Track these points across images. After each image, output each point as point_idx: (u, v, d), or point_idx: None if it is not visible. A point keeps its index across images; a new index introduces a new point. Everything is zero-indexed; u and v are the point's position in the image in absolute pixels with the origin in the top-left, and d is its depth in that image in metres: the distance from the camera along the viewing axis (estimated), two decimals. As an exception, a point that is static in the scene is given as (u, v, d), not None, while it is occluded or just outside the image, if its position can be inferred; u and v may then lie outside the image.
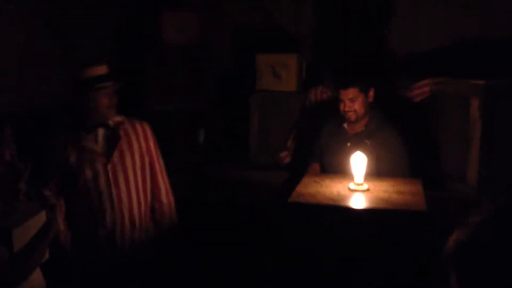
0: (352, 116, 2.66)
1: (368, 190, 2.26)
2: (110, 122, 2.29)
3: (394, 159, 2.63)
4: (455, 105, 3.15)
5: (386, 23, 3.71)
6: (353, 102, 2.65)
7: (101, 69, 2.28)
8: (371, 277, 2.01)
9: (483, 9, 3.49)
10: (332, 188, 2.29)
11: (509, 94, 2.95)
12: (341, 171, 2.52)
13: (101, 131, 2.28)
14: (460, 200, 2.93)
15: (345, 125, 2.74)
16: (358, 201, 2.15)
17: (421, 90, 3.34)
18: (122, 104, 2.32)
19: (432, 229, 1.86)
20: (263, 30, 3.91)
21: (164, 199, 2.42)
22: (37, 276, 1.78)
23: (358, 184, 2.28)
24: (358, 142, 2.66)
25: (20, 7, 2.96)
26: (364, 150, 2.56)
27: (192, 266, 2.94)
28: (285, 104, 3.56)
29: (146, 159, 2.37)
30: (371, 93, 2.69)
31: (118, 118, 2.32)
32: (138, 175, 2.33)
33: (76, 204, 2.28)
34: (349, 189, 2.27)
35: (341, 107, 2.68)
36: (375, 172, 2.49)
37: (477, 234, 0.82)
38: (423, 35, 3.67)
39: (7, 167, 1.76)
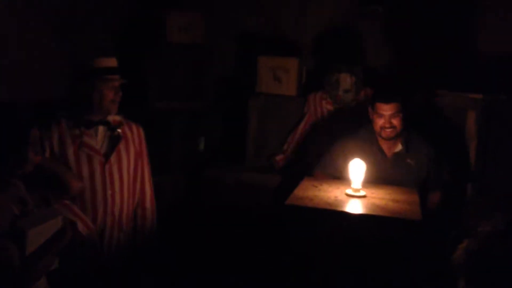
0: (391, 133, 2.54)
1: (365, 196, 2.28)
2: (111, 121, 2.27)
3: (437, 172, 2.63)
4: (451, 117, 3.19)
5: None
6: (394, 118, 2.53)
7: (111, 61, 2.27)
8: (365, 282, 2.03)
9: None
10: (329, 193, 2.31)
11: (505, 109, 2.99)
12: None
13: (101, 129, 2.26)
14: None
15: (380, 143, 2.61)
16: (354, 207, 2.18)
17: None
18: (122, 101, 2.32)
19: (441, 238, 1.89)
20: (266, 33, 3.93)
21: (148, 205, 2.42)
22: (42, 282, 1.76)
23: (355, 190, 2.30)
24: (399, 162, 2.59)
25: (25, 2, 2.96)
26: (406, 171, 2.58)
27: (187, 268, 2.94)
28: (284, 108, 3.58)
29: (139, 162, 2.37)
30: (409, 110, 2.59)
31: (117, 118, 2.30)
32: (131, 178, 2.33)
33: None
34: (346, 194, 2.29)
35: (380, 122, 2.54)
36: (418, 190, 2.44)
37: (488, 244, 0.84)
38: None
39: (33, 168, 1.76)
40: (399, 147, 2.63)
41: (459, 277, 0.88)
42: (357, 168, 2.33)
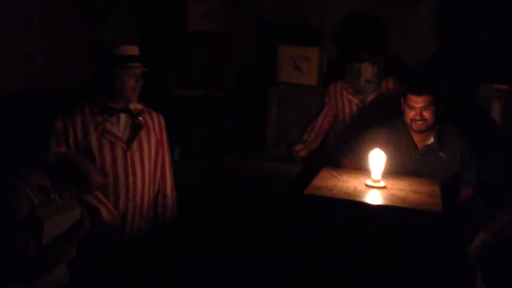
0: (422, 126, 2.51)
1: (384, 187, 2.27)
2: (132, 108, 2.30)
3: (469, 166, 2.59)
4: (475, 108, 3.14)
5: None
6: (425, 111, 2.49)
7: (133, 49, 2.28)
8: (383, 273, 2.02)
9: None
10: (349, 183, 2.30)
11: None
12: None
13: (123, 117, 2.29)
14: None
15: (411, 135, 2.58)
16: (373, 198, 2.17)
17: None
18: (143, 88, 2.34)
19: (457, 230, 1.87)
20: (288, 22, 3.89)
21: (169, 193, 2.46)
22: (60, 270, 1.79)
23: (375, 180, 2.29)
24: (430, 155, 2.57)
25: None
26: (439, 164, 2.55)
27: (204, 256, 2.97)
28: (304, 98, 3.56)
29: (160, 150, 2.40)
30: (442, 105, 2.55)
31: (138, 106, 2.33)
32: (152, 165, 2.36)
33: None
34: (366, 185, 2.28)
35: (410, 114, 2.51)
36: (450, 184, 2.43)
37: (504, 235, 0.85)
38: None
39: (55, 158, 1.78)
40: (431, 140, 2.59)
41: (476, 268, 0.88)
42: (377, 159, 2.31)
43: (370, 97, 3.34)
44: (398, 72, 3.44)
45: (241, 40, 3.95)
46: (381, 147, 2.38)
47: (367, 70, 3.27)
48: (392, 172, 2.42)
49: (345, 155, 2.77)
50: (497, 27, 3.48)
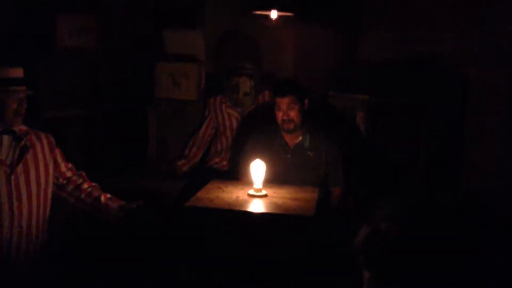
0: (290, 125, 2.70)
1: (266, 196, 2.35)
2: (16, 130, 2.21)
3: (335, 169, 2.77)
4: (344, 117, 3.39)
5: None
6: (291, 110, 2.69)
7: (17, 72, 2.21)
8: (265, 277, 2.09)
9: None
10: (232, 194, 2.36)
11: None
12: (282, 182, 2.56)
13: (6, 138, 2.19)
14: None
15: (284, 136, 2.75)
16: (252, 206, 2.24)
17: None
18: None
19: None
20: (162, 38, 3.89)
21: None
22: None
23: (257, 190, 2.37)
24: (300, 154, 2.74)
25: None
26: (307, 162, 2.68)
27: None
28: (183, 113, 3.58)
29: (51, 171, 2.32)
30: (306, 102, 2.76)
31: (23, 127, 2.25)
32: (41, 189, 2.27)
33: None
34: (248, 195, 2.35)
35: (279, 115, 2.71)
36: (316, 183, 2.57)
37: (380, 228, 0.96)
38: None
39: None
40: (299, 139, 2.77)
41: (360, 259, 0.98)
42: (257, 169, 2.39)
43: (248, 110, 3.46)
44: (271, 85, 3.60)
45: (117, 57, 3.87)
46: (261, 152, 2.54)
47: (245, 84, 3.39)
48: (269, 173, 2.52)
49: (239, 169, 2.86)
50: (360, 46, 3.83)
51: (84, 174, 2.48)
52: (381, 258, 0.95)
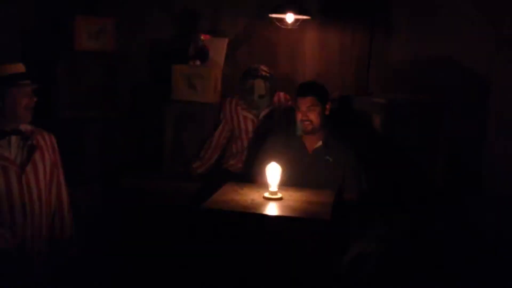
0: (308, 126, 2.67)
1: (281, 199, 2.34)
2: (23, 130, 2.23)
3: (353, 177, 2.72)
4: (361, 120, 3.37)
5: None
6: (310, 112, 2.67)
7: (20, 67, 2.22)
8: (277, 281, 2.09)
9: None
10: (247, 196, 2.36)
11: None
12: (299, 185, 2.52)
13: (14, 139, 2.21)
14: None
15: (303, 139, 2.73)
16: (267, 209, 2.23)
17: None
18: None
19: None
20: (181, 40, 3.92)
21: (66, 213, 2.40)
22: None
23: (272, 193, 2.36)
24: (318, 158, 2.70)
25: None
26: (325, 167, 2.68)
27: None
28: (199, 115, 3.59)
29: (55, 171, 2.35)
30: (328, 106, 2.73)
31: (29, 127, 2.27)
32: (47, 187, 2.30)
33: None
34: (264, 197, 2.34)
35: (298, 115, 2.69)
36: (333, 188, 2.52)
37: (365, 250, 0.97)
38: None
39: None
40: (319, 143, 2.75)
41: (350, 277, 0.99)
42: (273, 171, 2.38)
43: (264, 112, 3.46)
44: (287, 87, 3.60)
45: (134, 59, 3.91)
46: (279, 155, 2.51)
47: (260, 86, 3.39)
48: (285, 176, 2.50)
49: (254, 171, 2.84)
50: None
51: None
52: (367, 280, 0.95)
